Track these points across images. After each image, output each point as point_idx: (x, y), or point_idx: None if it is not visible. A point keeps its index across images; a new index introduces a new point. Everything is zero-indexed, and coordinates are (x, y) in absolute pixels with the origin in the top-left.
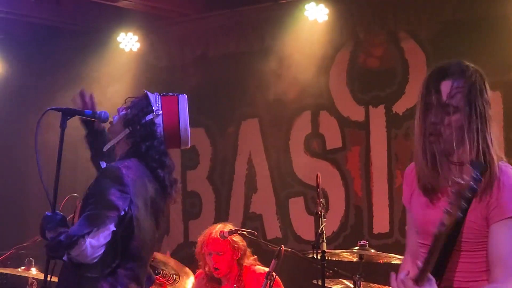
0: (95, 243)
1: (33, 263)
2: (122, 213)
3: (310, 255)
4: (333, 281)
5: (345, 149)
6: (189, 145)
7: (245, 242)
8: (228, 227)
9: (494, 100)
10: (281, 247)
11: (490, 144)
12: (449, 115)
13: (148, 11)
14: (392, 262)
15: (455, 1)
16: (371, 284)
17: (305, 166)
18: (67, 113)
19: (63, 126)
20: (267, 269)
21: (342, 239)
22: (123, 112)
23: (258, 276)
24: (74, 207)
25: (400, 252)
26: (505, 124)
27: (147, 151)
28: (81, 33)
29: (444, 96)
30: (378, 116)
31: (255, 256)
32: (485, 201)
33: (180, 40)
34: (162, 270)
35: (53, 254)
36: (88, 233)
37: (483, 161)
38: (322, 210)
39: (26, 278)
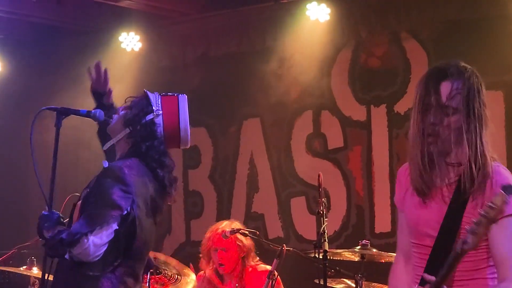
0: (98, 242)
1: (35, 263)
2: (125, 212)
3: (312, 255)
4: (335, 281)
5: (346, 149)
6: (189, 145)
7: (251, 241)
8: (234, 224)
9: (495, 99)
10: (283, 246)
11: (485, 145)
12: (448, 116)
13: (150, 11)
14: None
15: (457, 1)
16: (373, 284)
17: (306, 165)
18: (62, 113)
19: (58, 125)
20: (269, 267)
21: (343, 239)
22: (123, 112)
23: (259, 274)
24: (72, 206)
25: None
26: (506, 123)
27: (147, 151)
28: (83, 33)
29: (444, 97)
30: (379, 115)
31: (257, 258)
32: (479, 201)
33: (182, 40)
34: (164, 270)
35: (53, 252)
36: (91, 231)
37: (480, 162)
38: (324, 210)
39: (28, 277)
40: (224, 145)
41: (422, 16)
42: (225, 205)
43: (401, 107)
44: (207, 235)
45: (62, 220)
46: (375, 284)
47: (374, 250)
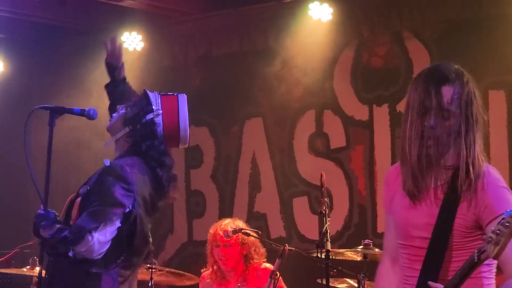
0: (102, 239)
1: (37, 262)
2: (127, 210)
3: (314, 254)
4: (337, 280)
5: (349, 148)
6: (188, 145)
7: (254, 238)
8: (237, 222)
9: (497, 99)
10: (285, 246)
11: (479, 147)
12: (447, 119)
13: (152, 11)
14: None
15: (459, 1)
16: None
17: (309, 165)
18: (55, 112)
19: (51, 124)
20: (270, 265)
21: (346, 238)
22: (122, 111)
23: (261, 272)
24: (69, 203)
25: None
26: (508, 122)
27: (147, 151)
28: (85, 32)
29: (445, 102)
30: (382, 115)
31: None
32: (471, 203)
33: (184, 40)
34: None
35: (55, 250)
36: (95, 228)
37: (473, 164)
38: (326, 209)
39: (31, 277)
40: (226, 145)
41: (425, 15)
42: (227, 205)
43: (403, 107)
44: (210, 231)
45: (58, 218)
46: None
47: (377, 249)
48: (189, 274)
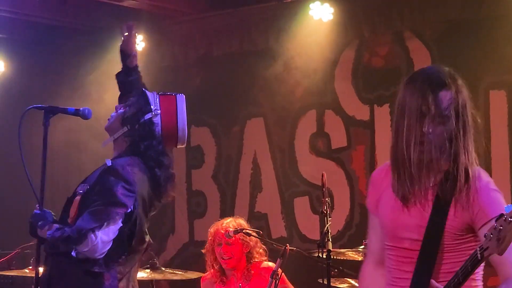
0: (105, 238)
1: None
2: (129, 210)
3: (316, 254)
4: (338, 280)
5: (350, 148)
6: (185, 144)
7: (256, 238)
8: (238, 221)
9: (498, 99)
10: (286, 246)
11: (471, 151)
12: (444, 124)
13: (153, 11)
14: None
15: (460, 1)
16: None
17: (310, 165)
18: (49, 111)
19: (46, 124)
20: (272, 264)
21: (347, 238)
22: (121, 110)
23: (264, 271)
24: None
25: None
26: (509, 122)
27: (146, 151)
28: (85, 32)
29: (442, 107)
30: (383, 115)
31: (265, 258)
32: (463, 206)
33: (184, 40)
34: None
35: (55, 250)
36: (99, 227)
37: (465, 167)
38: (328, 209)
39: (32, 278)
40: (227, 145)
41: (425, 15)
42: (229, 205)
43: None
44: (211, 230)
45: (54, 218)
46: None
47: None
48: (191, 271)
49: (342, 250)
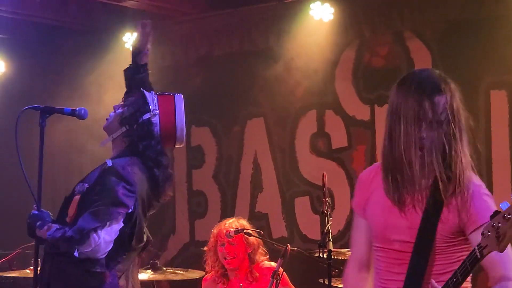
0: (108, 238)
1: (39, 263)
2: (130, 210)
3: (316, 254)
4: (339, 280)
5: (350, 148)
6: (183, 144)
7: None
8: (241, 221)
9: (499, 99)
10: (287, 246)
11: (466, 154)
12: (440, 128)
13: (153, 11)
14: None
15: (460, 1)
16: None
17: (310, 165)
18: (45, 112)
19: (42, 124)
20: (274, 264)
21: (348, 238)
22: (119, 110)
23: (267, 271)
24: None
25: None
26: (510, 122)
27: (144, 151)
28: (86, 33)
29: (439, 112)
30: (383, 115)
31: (267, 256)
32: (455, 209)
33: (185, 40)
34: None
35: (56, 250)
36: (101, 227)
37: (457, 170)
38: (328, 209)
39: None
40: (228, 145)
41: (426, 15)
42: (229, 205)
43: None
44: (214, 230)
45: (52, 218)
46: None
47: None
48: (192, 270)
49: (343, 250)
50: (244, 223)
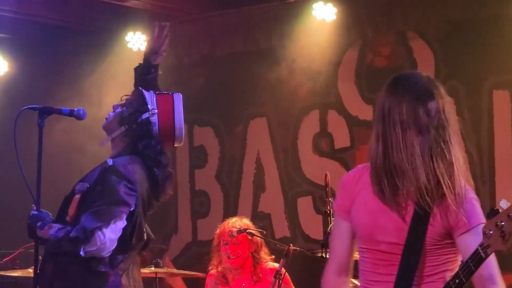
0: (113, 236)
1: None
2: (132, 209)
3: (319, 254)
4: None
5: (353, 148)
6: (182, 143)
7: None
8: (244, 220)
9: (501, 99)
10: (290, 246)
11: (458, 157)
12: (433, 131)
13: (156, 11)
14: None
15: (463, 1)
16: None
17: (313, 165)
18: (44, 112)
19: (40, 125)
20: (277, 265)
21: None
22: (118, 110)
23: (270, 272)
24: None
25: None
26: None
27: (144, 150)
28: (89, 32)
29: (432, 116)
30: None
31: (272, 256)
32: (445, 212)
33: (188, 40)
34: None
35: (59, 249)
36: (105, 226)
37: (448, 172)
38: (331, 209)
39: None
40: (231, 145)
41: (428, 15)
42: (232, 205)
43: None
44: (218, 230)
45: (52, 217)
46: None
47: None
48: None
49: None
50: (247, 222)
